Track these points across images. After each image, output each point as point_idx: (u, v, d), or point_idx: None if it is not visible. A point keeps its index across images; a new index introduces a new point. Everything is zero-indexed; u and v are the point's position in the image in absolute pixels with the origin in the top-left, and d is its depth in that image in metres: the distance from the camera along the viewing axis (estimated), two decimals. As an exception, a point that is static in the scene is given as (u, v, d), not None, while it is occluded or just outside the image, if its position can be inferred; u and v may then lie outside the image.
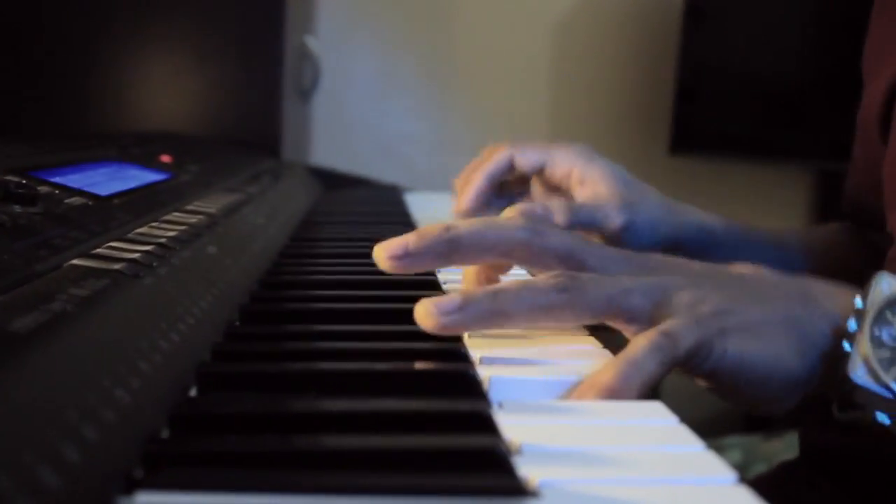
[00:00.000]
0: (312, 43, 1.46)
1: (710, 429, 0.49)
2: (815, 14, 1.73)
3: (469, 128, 1.84)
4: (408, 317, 0.43)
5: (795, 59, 1.74)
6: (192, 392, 0.37)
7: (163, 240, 0.49)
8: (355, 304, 0.51)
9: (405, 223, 0.87)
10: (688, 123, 1.73)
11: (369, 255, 0.46)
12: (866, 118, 0.69)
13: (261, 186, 0.86)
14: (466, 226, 0.46)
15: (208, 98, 1.22)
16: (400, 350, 0.42)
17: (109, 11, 1.19)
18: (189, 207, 0.62)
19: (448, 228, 0.45)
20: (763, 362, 0.42)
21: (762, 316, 0.43)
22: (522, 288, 0.42)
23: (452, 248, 0.45)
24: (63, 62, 1.19)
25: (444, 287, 0.55)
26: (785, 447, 1.01)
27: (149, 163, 0.76)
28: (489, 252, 0.46)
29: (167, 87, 1.22)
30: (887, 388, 0.42)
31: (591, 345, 0.44)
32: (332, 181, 1.20)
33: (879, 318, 0.43)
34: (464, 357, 0.41)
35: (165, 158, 0.81)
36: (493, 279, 0.51)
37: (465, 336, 0.44)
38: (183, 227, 0.54)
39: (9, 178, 0.50)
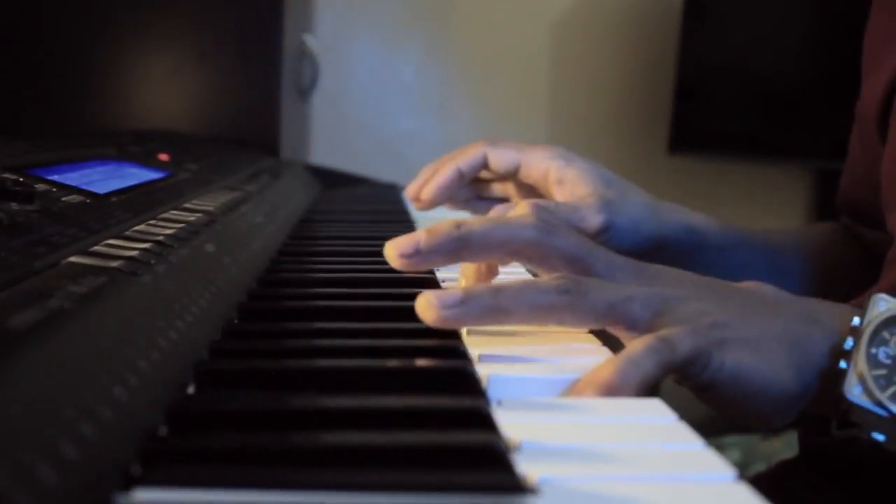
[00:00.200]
0: (311, 42, 1.46)
1: (709, 428, 0.49)
2: (815, 14, 1.73)
3: (468, 127, 1.84)
4: (406, 314, 0.43)
5: (795, 58, 1.74)
6: (191, 389, 0.37)
7: (161, 238, 0.49)
8: (354, 301, 0.51)
9: (404, 221, 0.87)
10: (687, 122, 1.73)
11: (368, 254, 0.46)
12: (865, 113, 0.69)
13: (259, 185, 0.86)
14: (477, 224, 0.45)
15: (207, 96, 1.22)
16: (399, 347, 0.42)
17: (108, 10, 1.19)
18: (187, 205, 0.62)
19: (459, 226, 0.45)
20: (760, 376, 0.42)
21: (761, 331, 0.43)
22: (524, 287, 0.42)
23: (462, 246, 0.45)
24: (62, 61, 1.19)
25: (443, 285, 0.55)
26: (784, 446, 1.01)
27: (147, 161, 0.76)
28: (498, 250, 0.46)
29: (166, 85, 1.22)
30: (883, 406, 0.42)
31: (591, 343, 0.45)
32: (330, 180, 1.20)
33: (876, 337, 0.43)
34: (463, 354, 0.41)
35: (164, 157, 0.81)
36: (493, 273, 0.51)
37: (464, 333, 0.44)
38: (181, 225, 0.54)
39: (6, 175, 0.50)
